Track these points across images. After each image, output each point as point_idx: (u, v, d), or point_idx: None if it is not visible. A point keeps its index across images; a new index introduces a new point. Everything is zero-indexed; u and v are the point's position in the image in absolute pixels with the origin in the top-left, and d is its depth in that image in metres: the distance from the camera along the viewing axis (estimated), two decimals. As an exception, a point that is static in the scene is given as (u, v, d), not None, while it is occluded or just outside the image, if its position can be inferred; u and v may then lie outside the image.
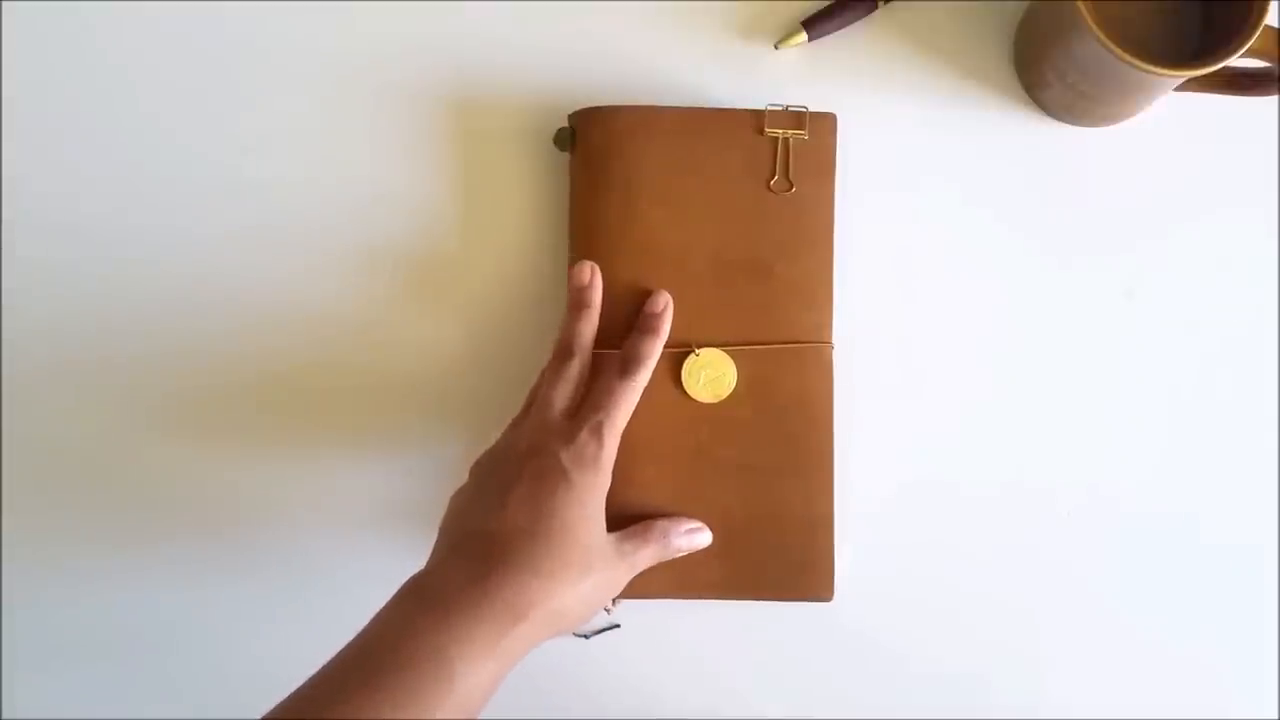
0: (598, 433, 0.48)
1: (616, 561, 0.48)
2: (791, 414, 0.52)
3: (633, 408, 0.50)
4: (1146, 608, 0.55)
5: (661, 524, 0.51)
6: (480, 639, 0.43)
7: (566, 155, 0.54)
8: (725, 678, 0.55)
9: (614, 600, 0.52)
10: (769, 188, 0.52)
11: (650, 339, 0.51)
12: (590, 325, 0.51)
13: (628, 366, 0.50)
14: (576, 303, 0.51)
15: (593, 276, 0.51)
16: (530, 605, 0.44)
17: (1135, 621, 0.55)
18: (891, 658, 0.55)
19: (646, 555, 0.50)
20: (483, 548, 0.46)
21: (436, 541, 0.48)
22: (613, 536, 0.49)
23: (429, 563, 0.47)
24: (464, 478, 0.50)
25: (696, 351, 0.52)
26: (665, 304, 0.51)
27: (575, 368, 0.50)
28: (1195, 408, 0.55)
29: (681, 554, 0.51)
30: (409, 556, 0.47)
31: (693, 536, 0.51)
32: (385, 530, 0.55)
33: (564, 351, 0.51)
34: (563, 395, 0.50)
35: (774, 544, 0.52)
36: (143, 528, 0.55)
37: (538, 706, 0.55)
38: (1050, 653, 0.55)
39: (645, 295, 0.52)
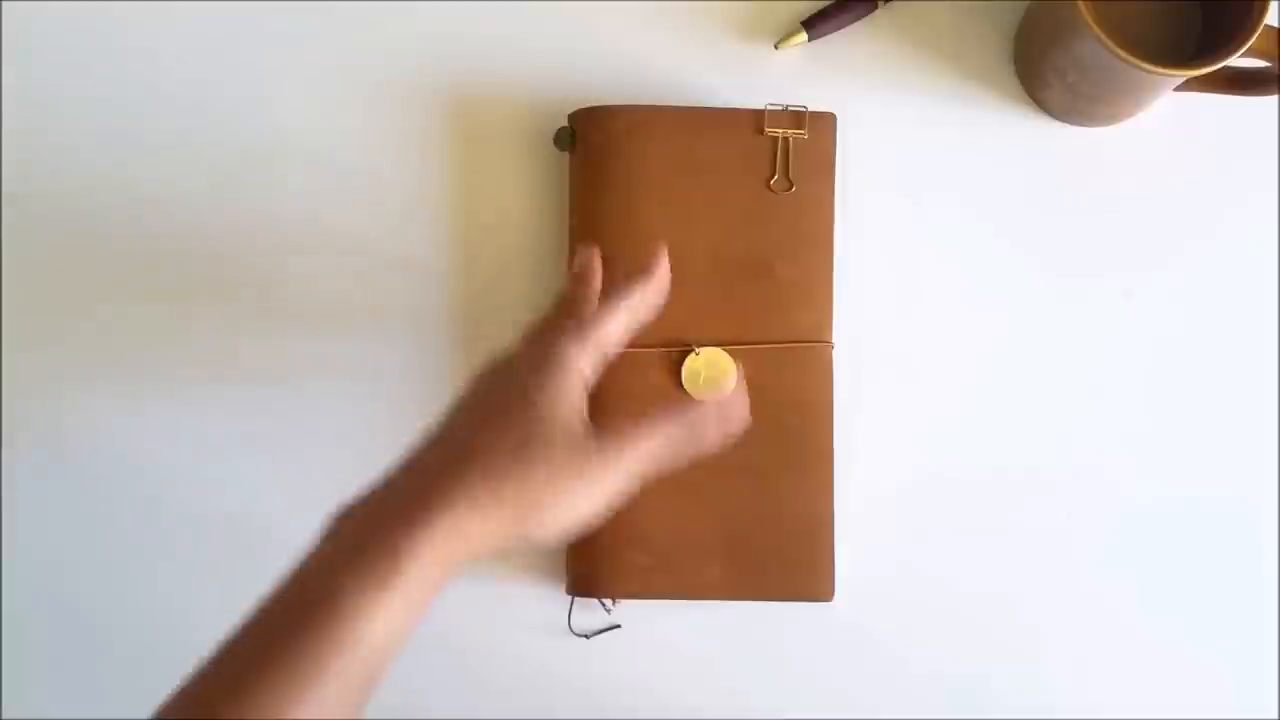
0: (556, 331, 0.40)
1: (584, 442, 0.39)
2: (791, 414, 0.52)
3: (613, 326, 0.42)
4: (1147, 608, 0.55)
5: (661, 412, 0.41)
6: (377, 549, 0.34)
7: (566, 155, 0.54)
8: (725, 678, 0.55)
9: (614, 600, 0.52)
10: (769, 187, 0.52)
11: (640, 275, 0.43)
12: (591, 290, 0.45)
13: (615, 290, 0.43)
14: (575, 279, 0.45)
15: (594, 260, 0.46)
16: (448, 488, 0.35)
17: (1135, 622, 0.55)
18: (891, 657, 0.55)
19: (639, 438, 0.40)
20: (406, 457, 0.39)
21: None
22: (590, 426, 0.40)
23: None
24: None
25: (696, 351, 0.52)
26: (662, 254, 0.45)
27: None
28: (1195, 407, 0.55)
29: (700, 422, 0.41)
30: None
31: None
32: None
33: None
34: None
35: (774, 544, 0.52)
36: (143, 529, 0.55)
37: (538, 706, 0.55)
38: (1051, 652, 0.55)
39: None
